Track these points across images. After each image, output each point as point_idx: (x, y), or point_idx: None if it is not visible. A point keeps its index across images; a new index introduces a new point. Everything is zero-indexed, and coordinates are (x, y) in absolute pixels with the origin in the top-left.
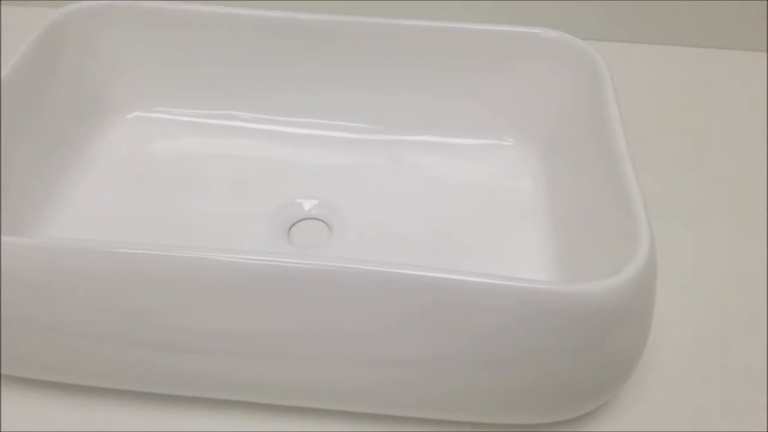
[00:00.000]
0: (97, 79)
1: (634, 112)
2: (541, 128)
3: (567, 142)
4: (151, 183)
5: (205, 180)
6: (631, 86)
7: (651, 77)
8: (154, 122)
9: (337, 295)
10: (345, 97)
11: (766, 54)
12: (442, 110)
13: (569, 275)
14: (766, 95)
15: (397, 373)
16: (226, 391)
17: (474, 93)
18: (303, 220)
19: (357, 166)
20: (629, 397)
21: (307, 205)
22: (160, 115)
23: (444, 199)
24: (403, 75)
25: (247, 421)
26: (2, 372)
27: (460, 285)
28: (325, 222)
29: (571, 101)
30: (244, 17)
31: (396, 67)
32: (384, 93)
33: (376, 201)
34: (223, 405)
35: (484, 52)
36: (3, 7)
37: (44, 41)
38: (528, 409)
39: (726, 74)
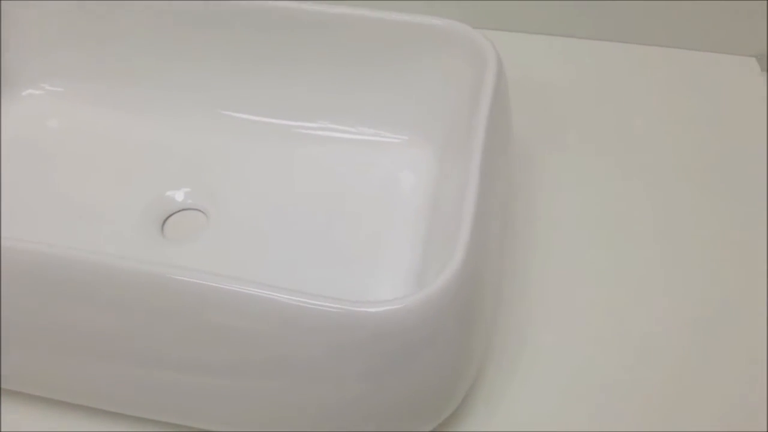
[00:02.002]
0: None
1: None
2: (431, 122)
3: (454, 137)
4: (34, 163)
5: (90, 162)
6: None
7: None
8: (43, 100)
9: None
10: (233, 83)
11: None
12: (329, 99)
13: (418, 285)
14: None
15: (181, 381)
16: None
17: (364, 82)
18: (181, 210)
19: (241, 156)
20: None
21: (185, 195)
22: (51, 92)
23: (324, 190)
24: (289, 60)
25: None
26: None
27: (225, 297)
28: (203, 212)
29: (458, 93)
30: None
31: (280, 51)
32: (268, 79)
33: (259, 192)
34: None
35: (375, 39)
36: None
37: None
38: None
39: (638, 69)
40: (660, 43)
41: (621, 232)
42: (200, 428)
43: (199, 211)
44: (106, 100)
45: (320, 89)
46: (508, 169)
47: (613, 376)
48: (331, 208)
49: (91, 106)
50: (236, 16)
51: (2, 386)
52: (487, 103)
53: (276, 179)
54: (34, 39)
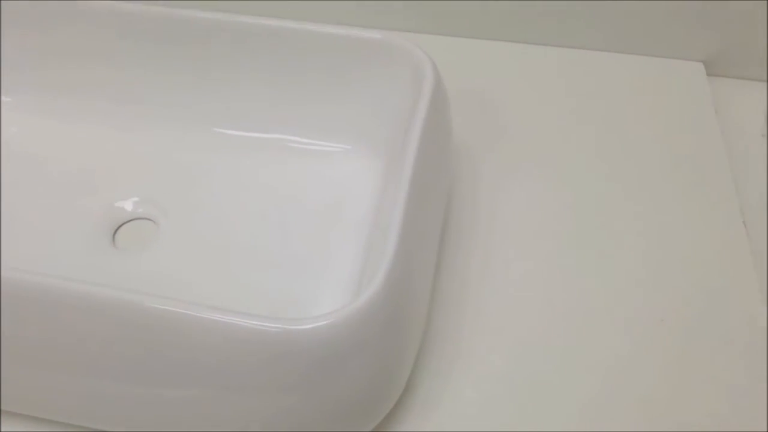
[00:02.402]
0: None
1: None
2: (375, 132)
3: (395, 147)
4: None
5: (38, 173)
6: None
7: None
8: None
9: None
10: (178, 95)
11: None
12: (277, 109)
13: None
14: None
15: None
16: None
17: (309, 93)
18: (132, 220)
19: (188, 165)
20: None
21: (134, 204)
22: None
23: (271, 198)
24: (236, 72)
25: None
26: None
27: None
28: (153, 221)
29: (400, 104)
30: (90, 11)
31: (227, 64)
32: (216, 90)
33: (208, 200)
34: None
35: (319, 52)
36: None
37: None
38: None
39: (587, 74)
40: (608, 49)
41: (559, 236)
42: None
43: (149, 220)
44: (53, 112)
45: (267, 100)
46: (446, 176)
47: (548, 380)
48: (278, 216)
49: (39, 117)
50: (182, 29)
51: None
52: (422, 117)
53: (224, 187)
54: None
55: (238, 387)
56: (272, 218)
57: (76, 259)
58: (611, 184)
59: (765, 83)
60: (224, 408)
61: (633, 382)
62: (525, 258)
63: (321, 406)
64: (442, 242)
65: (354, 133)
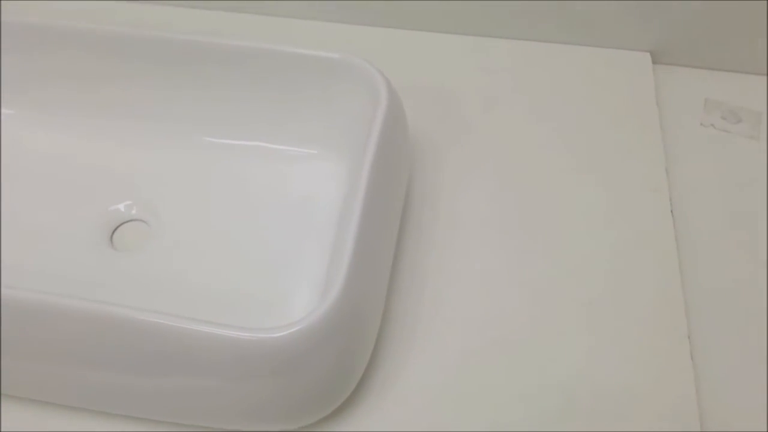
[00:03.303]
0: None
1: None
2: (338, 138)
3: (357, 153)
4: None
5: (46, 179)
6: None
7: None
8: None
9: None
10: (170, 108)
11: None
12: (255, 119)
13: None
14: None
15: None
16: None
17: (285, 105)
18: (127, 222)
19: (175, 169)
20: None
21: (125, 207)
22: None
23: (250, 199)
24: (222, 88)
25: None
26: None
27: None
28: (146, 223)
29: (359, 114)
30: (73, 31)
31: (217, 80)
32: (204, 102)
33: (195, 204)
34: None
35: (289, 70)
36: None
37: None
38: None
39: (537, 65)
40: (560, 41)
41: (520, 230)
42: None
43: (142, 221)
44: (52, 125)
45: (247, 111)
46: (403, 178)
47: (504, 377)
48: (257, 214)
49: (39, 129)
50: (172, 50)
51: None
52: (377, 131)
53: (208, 190)
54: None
55: (223, 380)
56: (252, 217)
57: (80, 258)
58: (557, 175)
59: (707, 71)
60: (213, 397)
61: (591, 370)
62: (477, 249)
63: (289, 395)
64: (401, 236)
65: (321, 139)
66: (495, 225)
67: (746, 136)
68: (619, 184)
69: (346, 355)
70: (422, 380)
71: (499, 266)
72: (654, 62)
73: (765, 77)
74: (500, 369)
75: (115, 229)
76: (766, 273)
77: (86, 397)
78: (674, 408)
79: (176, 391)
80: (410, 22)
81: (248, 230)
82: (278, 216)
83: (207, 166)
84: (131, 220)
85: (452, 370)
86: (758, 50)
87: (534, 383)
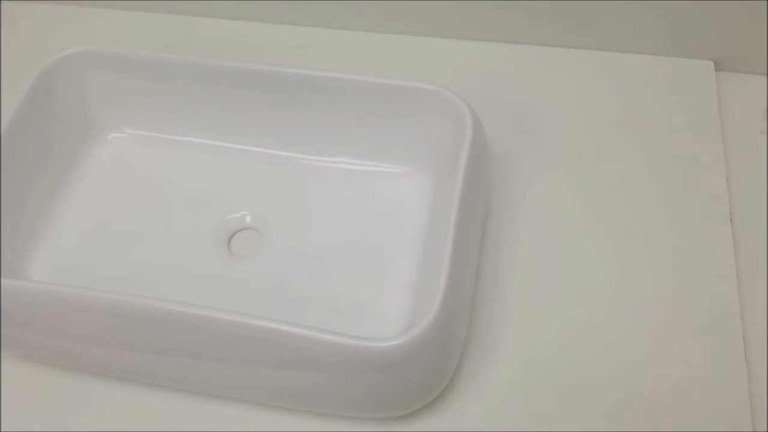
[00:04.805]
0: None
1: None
2: (428, 160)
3: (444, 173)
4: (120, 200)
5: (163, 196)
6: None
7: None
8: (124, 144)
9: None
10: (277, 132)
11: None
12: (354, 141)
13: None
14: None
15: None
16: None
17: (379, 129)
18: (242, 230)
19: (285, 185)
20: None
21: (246, 218)
22: (133, 135)
23: (349, 216)
24: (324, 114)
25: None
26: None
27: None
28: (257, 231)
29: (445, 138)
30: (194, 64)
31: (318, 107)
32: (306, 126)
33: (298, 215)
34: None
35: (382, 97)
36: (3, 6)
37: (38, 86)
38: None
39: (604, 76)
40: (622, 50)
41: (595, 243)
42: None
43: (255, 230)
44: (180, 146)
45: (343, 133)
46: (484, 195)
47: (583, 386)
48: (352, 227)
49: (156, 149)
50: (275, 81)
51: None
52: (464, 162)
53: (309, 203)
54: (116, 94)
55: (340, 377)
56: (347, 228)
57: (204, 261)
58: (622, 185)
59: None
60: (330, 390)
61: (651, 369)
62: (554, 256)
63: (391, 392)
64: (481, 248)
65: (409, 159)
66: (563, 233)
67: None
68: (680, 190)
69: (441, 359)
70: (499, 380)
71: (566, 272)
72: (716, 69)
73: None
74: (572, 368)
75: (232, 236)
76: None
77: (226, 388)
78: (727, 408)
79: (301, 384)
80: (481, 34)
81: (345, 240)
82: (370, 228)
83: (308, 182)
84: (245, 229)
85: (526, 370)
86: None
87: (603, 384)
